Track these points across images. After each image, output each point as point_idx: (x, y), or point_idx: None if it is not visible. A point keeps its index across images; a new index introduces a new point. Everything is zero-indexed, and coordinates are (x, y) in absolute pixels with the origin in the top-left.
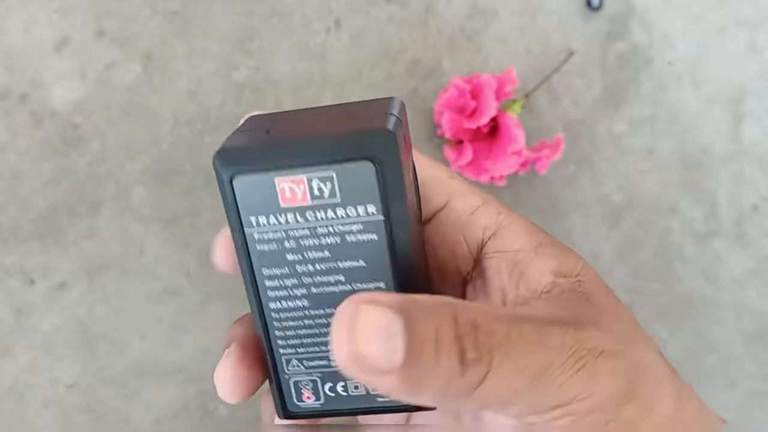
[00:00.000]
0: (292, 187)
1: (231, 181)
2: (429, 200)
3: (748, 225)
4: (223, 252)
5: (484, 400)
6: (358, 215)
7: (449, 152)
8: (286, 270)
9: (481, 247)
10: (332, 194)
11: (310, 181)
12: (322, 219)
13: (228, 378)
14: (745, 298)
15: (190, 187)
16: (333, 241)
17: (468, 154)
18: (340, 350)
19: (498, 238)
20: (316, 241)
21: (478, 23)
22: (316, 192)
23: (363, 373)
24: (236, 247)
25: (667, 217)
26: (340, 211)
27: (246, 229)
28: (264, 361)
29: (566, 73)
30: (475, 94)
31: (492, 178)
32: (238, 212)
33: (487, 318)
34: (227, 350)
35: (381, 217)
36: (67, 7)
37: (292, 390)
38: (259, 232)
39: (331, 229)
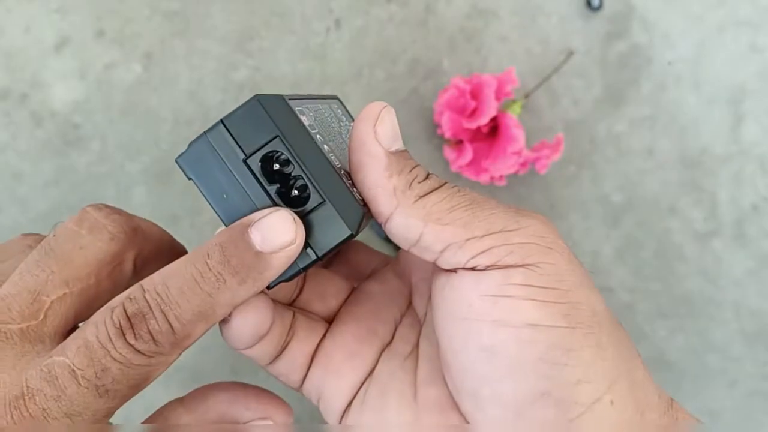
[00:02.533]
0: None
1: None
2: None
3: (748, 225)
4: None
5: (424, 209)
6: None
7: (449, 152)
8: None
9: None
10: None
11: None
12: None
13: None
14: (745, 298)
15: (190, 187)
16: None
17: (468, 154)
18: (373, 108)
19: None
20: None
21: (478, 23)
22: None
23: (369, 133)
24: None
25: (667, 217)
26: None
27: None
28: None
29: (566, 73)
30: (475, 94)
31: (492, 178)
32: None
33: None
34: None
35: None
36: (67, 7)
37: None
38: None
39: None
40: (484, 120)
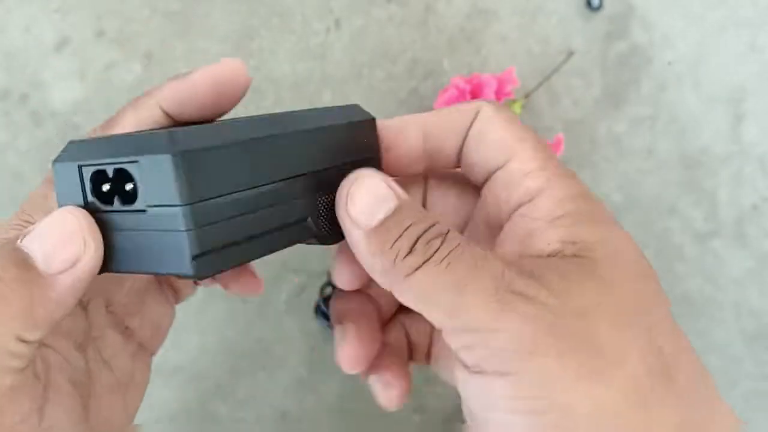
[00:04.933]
0: None
1: None
2: (490, 161)
3: (748, 225)
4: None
5: (413, 289)
6: None
7: None
8: None
9: (514, 211)
10: None
11: None
12: None
13: (349, 353)
14: (745, 298)
15: None
16: None
17: None
18: (343, 190)
19: (529, 204)
20: None
21: (478, 23)
22: None
23: (345, 217)
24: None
25: (667, 217)
26: None
27: None
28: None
29: (566, 73)
30: (475, 94)
31: None
32: None
33: (457, 235)
34: (342, 327)
35: None
36: (67, 7)
37: None
38: None
39: None
40: None
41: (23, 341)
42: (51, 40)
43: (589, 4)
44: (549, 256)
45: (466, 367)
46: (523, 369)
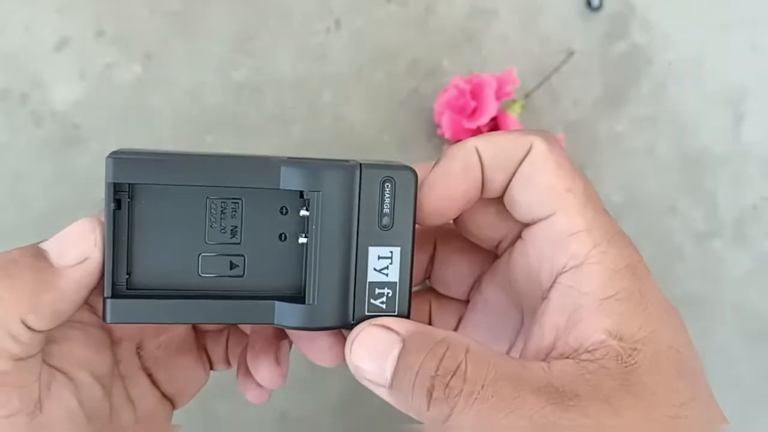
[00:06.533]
0: None
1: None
2: (535, 207)
3: (748, 225)
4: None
5: (459, 428)
6: None
7: None
8: None
9: (560, 274)
10: None
11: None
12: None
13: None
14: (745, 298)
15: None
16: None
17: None
18: (347, 356)
19: (578, 271)
20: None
21: (478, 23)
22: None
23: (364, 381)
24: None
25: (667, 217)
26: None
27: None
28: None
29: (566, 73)
30: (475, 94)
31: None
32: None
33: (476, 365)
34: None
35: None
36: (67, 7)
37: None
38: None
39: None
40: (484, 120)
41: (26, 326)
42: (51, 40)
43: (589, 4)
44: (591, 349)
45: None
46: None
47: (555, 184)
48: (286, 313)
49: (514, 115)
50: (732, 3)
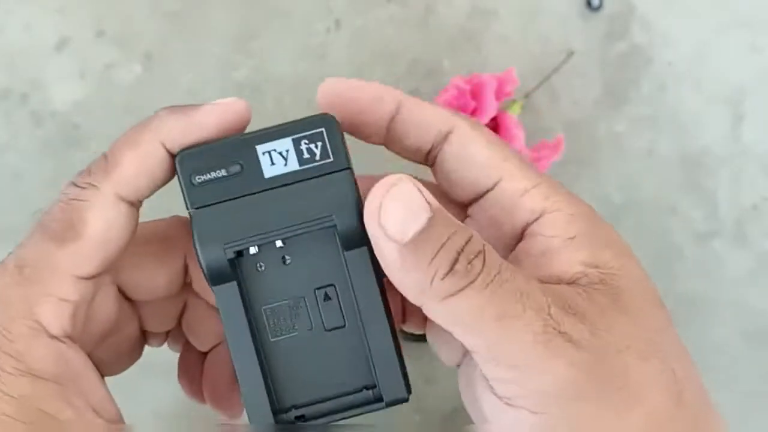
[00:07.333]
0: None
1: None
2: (478, 180)
3: (748, 225)
4: None
5: (450, 312)
6: None
7: None
8: None
9: (523, 231)
10: None
11: None
12: None
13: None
14: (745, 298)
15: None
16: None
17: None
18: (374, 200)
19: (539, 223)
20: None
21: (478, 23)
22: None
23: (376, 229)
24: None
25: (667, 217)
26: None
27: None
28: None
29: (566, 73)
30: (475, 94)
31: None
32: None
33: (494, 256)
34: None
35: None
36: (67, 7)
37: None
38: None
39: None
40: (484, 120)
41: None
42: (51, 40)
43: (589, 4)
44: (572, 280)
45: (494, 393)
46: (561, 413)
47: (492, 156)
48: None
49: (514, 115)
50: (732, 3)
